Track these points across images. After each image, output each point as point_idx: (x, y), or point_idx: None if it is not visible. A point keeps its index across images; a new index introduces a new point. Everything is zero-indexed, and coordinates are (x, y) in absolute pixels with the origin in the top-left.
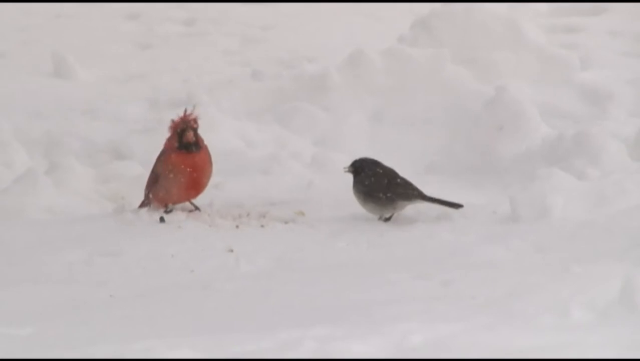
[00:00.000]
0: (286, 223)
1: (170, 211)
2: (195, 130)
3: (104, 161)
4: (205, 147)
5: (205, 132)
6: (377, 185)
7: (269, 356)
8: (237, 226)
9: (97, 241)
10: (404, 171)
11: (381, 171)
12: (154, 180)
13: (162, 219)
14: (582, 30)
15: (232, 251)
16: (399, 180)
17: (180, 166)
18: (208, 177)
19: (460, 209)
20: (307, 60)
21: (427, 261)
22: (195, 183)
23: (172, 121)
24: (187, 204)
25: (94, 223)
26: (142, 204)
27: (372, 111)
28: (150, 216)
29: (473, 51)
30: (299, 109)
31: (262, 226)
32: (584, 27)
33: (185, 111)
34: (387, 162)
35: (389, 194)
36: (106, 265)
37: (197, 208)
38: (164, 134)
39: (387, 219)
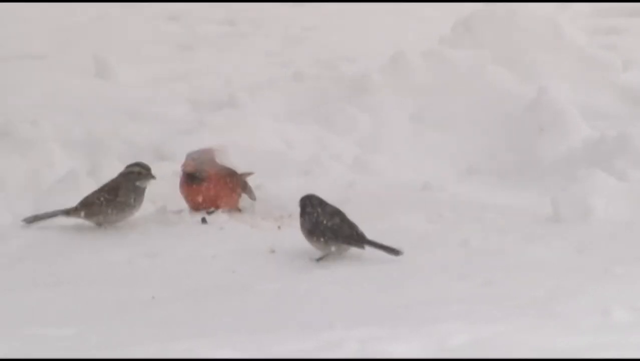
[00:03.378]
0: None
1: (212, 212)
2: (196, 162)
3: (146, 162)
4: (213, 177)
5: (246, 134)
6: (318, 225)
7: (311, 356)
8: (278, 227)
9: (139, 242)
10: (445, 172)
11: (324, 211)
12: None
13: (204, 220)
14: (623, 31)
15: (273, 252)
16: (341, 222)
17: (186, 196)
18: (224, 198)
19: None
20: (348, 61)
21: (468, 262)
22: (205, 204)
23: None
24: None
25: (134, 224)
26: None
27: (412, 112)
28: (192, 217)
29: (514, 52)
30: (339, 110)
31: None
32: (626, 28)
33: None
34: (429, 163)
35: (327, 236)
36: (148, 266)
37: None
38: (206, 135)
39: (319, 259)
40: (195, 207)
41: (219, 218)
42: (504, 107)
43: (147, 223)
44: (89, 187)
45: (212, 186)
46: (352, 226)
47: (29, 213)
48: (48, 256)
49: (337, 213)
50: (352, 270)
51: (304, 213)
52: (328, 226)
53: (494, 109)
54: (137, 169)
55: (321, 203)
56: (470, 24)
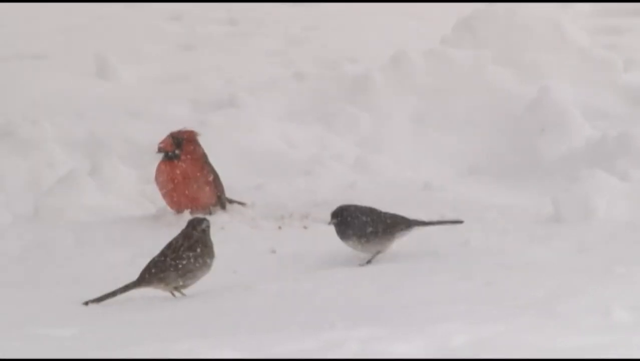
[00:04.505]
0: (329, 224)
1: (212, 213)
2: (177, 139)
3: (147, 162)
4: (191, 159)
5: (247, 133)
6: (373, 224)
7: (312, 356)
8: (279, 227)
9: (139, 242)
10: (446, 172)
11: (366, 213)
12: None
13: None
14: (625, 31)
15: (274, 252)
16: (386, 214)
17: (158, 174)
18: (197, 188)
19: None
20: (349, 61)
21: (469, 262)
22: (178, 191)
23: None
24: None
25: (136, 224)
26: None
27: (414, 112)
28: (193, 217)
29: (515, 52)
30: (340, 110)
31: (305, 227)
32: (628, 28)
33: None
34: (430, 163)
35: (384, 228)
36: None
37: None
38: (207, 135)
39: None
40: (171, 189)
41: (220, 218)
42: (505, 107)
43: (148, 224)
44: (90, 187)
45: (189, 164)
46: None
47: (30, 213)
48: (49, 256)
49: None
50: (353, 270)
51: (345, 221)
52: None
53: (495, 109)
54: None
55: (354, 207)
56: (471, 24)
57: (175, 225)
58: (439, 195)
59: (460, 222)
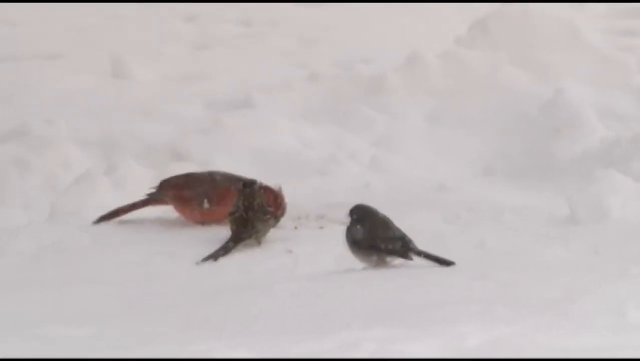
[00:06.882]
0: (344, 224)
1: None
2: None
3: (162, 162)
4: None
5: (262, 134)
6: (370, 235)
7: (328, 356)
8: (295, 228)
9: (154, 242)
10: (461, 172)
11: (375, 221)
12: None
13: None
14: None
15: (291, 252)
16: (393, 232)
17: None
18: None
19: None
20: (364, 61)
21: (483, 262)
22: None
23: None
24: None
25: (151, 224)
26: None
27: (429, 113)
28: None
29: (530, 53)
30: (355, 110)
31: (321, 227)
32: None
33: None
34: (444, 164)
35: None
36: (164, 266)
37: None
38: (221, 135)
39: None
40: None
41: None
42: (519, 107)
43: (164, 223)
44: (105, 187)
45: None
46: (400, 237)
47: (45, 213)
48: (64, 256)
49: (385, 223)
50: (369, 270)
51: (350, 223)
52: (373, 237)
53: (510, 109)
54: None
55: (369, 212)
56: (486, 25)
57: (189, 225)
58: (454, 196)
59: (452, 263)
